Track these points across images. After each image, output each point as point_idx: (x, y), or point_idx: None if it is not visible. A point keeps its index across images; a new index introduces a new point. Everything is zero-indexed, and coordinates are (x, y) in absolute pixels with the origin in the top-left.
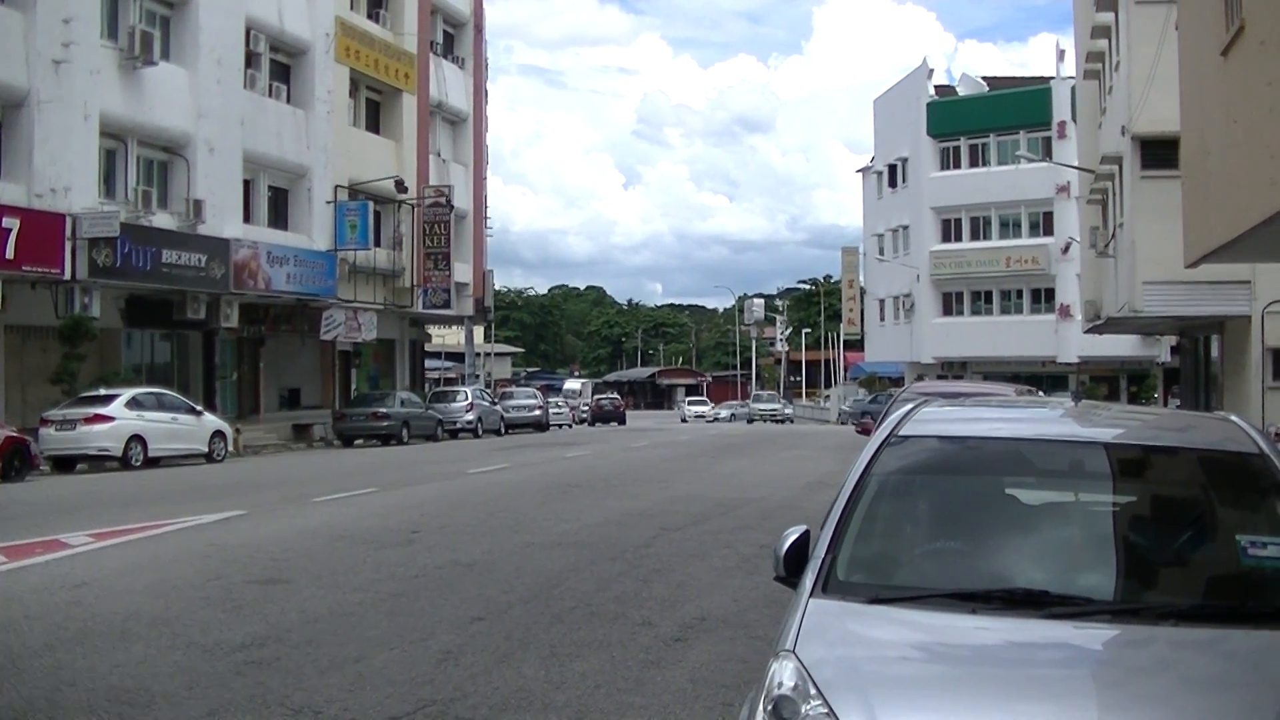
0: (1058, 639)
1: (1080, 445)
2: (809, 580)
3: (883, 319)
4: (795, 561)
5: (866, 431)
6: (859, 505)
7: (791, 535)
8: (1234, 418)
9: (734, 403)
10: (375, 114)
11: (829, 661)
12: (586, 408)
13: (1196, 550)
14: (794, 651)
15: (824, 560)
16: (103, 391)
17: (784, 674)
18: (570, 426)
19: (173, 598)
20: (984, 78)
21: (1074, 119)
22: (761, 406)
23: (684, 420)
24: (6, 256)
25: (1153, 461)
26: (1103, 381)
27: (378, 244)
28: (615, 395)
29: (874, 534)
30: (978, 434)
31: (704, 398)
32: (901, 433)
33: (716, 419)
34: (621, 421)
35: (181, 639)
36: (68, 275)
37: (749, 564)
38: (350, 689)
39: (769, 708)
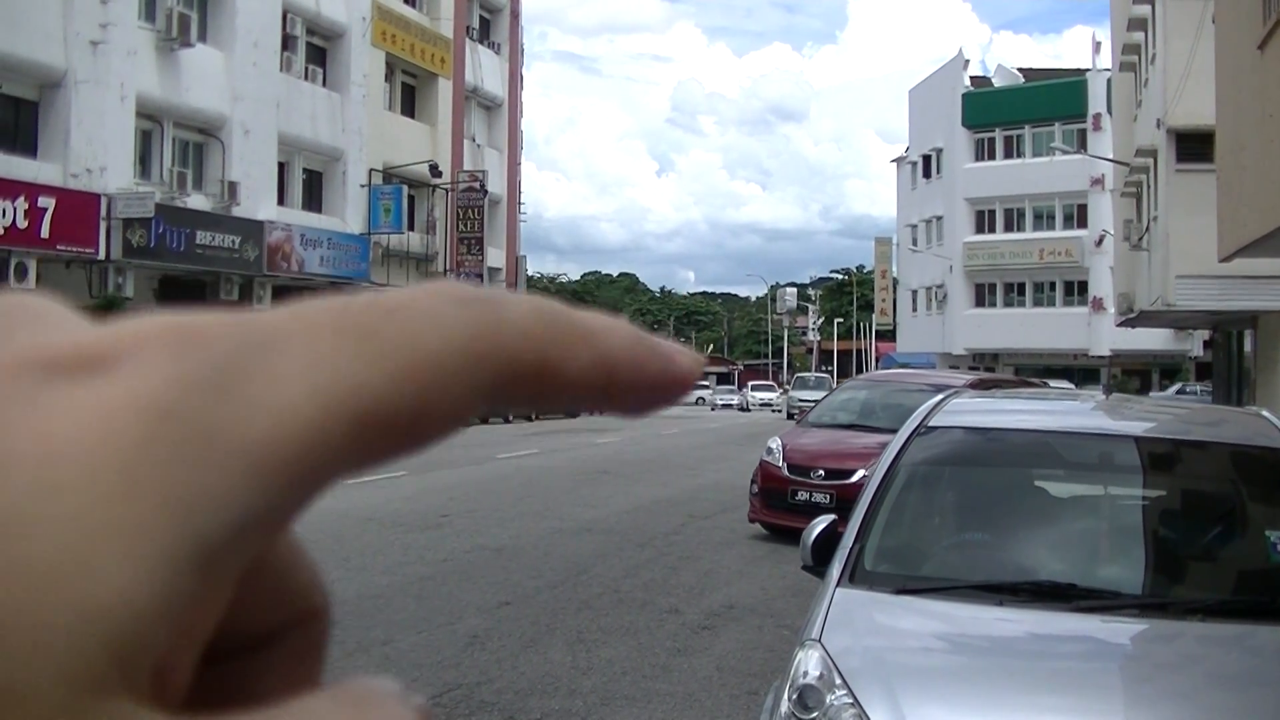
0: (1084, 632)
1: (1110, 438)
2: (836, 570)
3: (915, 310)
4: (822, 551)
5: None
6: (887, 496)
7: (819, 525)
8: (1265, 413)
9: (765, 385)
10: (410, 98)
11: (854, 651)
12: None
13: (1225, 545)
14: (820, 641)
15: (851, 550)
16: None
17: (809, 663)
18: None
19: None
20: (1019, 69)
21: (1109, 111)
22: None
23: (713, 409)
24: (42, 236)
25: (1182, 455)
26: (1135, 375)
27: (411, 228)
28: None
29: (901, 525)
30: (1007, 425)
31: (733, 386)
32: (930, 424)
33: (745, 408)
34: None
35: None
36: (102, 255)
37: (777, 552)
38: (376, 671)
39: (794, 696)
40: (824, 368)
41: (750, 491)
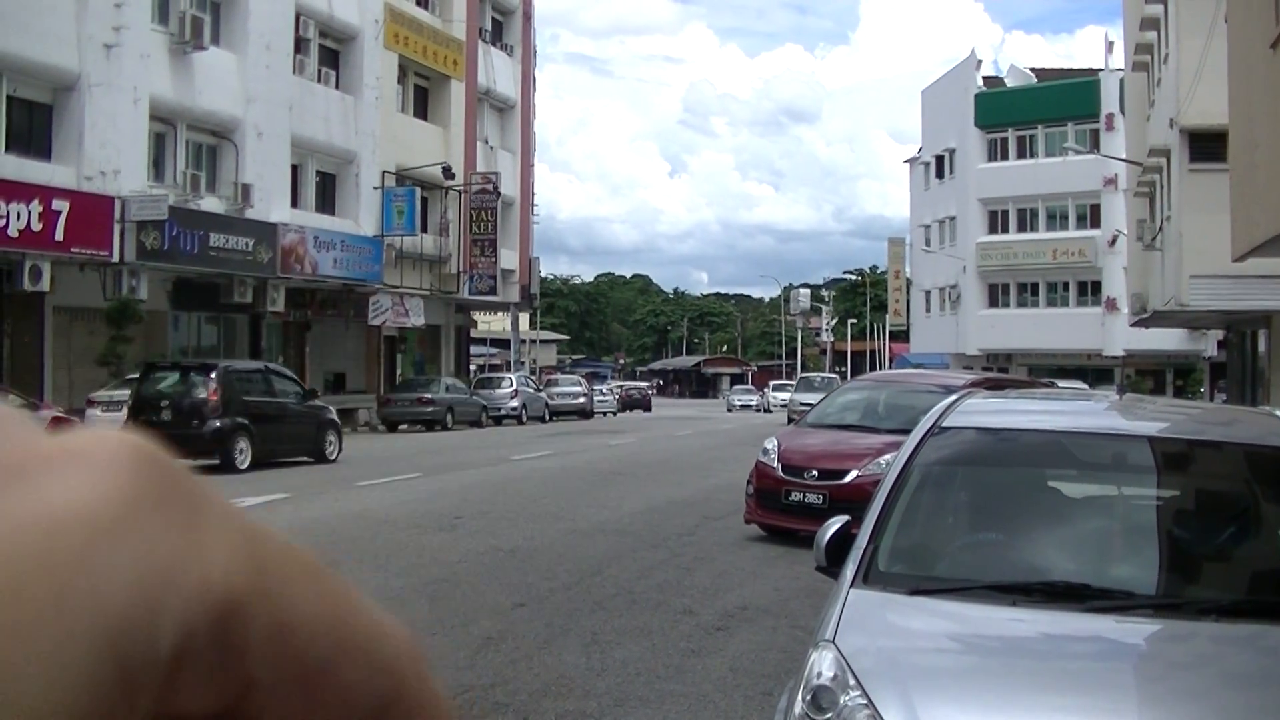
0: (1098, 632)
1: (1124, 439)
2: (850, 571)
3: (928, 310)
4: (836, 552)
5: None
6: (901, 496)
7: (833, 525)
8: (1279, 412)
9: (787, 385)
10: (423, 100)
11: (869, 652)
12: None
13: (1239, 546)
14: (834, 641)
15: (865, 551)
16: None
17: (823, 664)
18: (615, 414)
19: None
20: (1032, 69)
21: (1122, 111)
22: (806, 398)
23: (730, 410)
24: (56, 239)
25: (1196, 456)
26: (1148, 375)
27: (424, 230)
28: (642, 384)
29: (915, 525)
30: (1021, 426)
31: (750, 386)
32: (945, 424)
33: (765, 409)
34: (647, 409)
35: None
36: (116, 258)
37: (791, 553)
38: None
39: (808, 697)
40: (838, 368)
41: (746, 492)
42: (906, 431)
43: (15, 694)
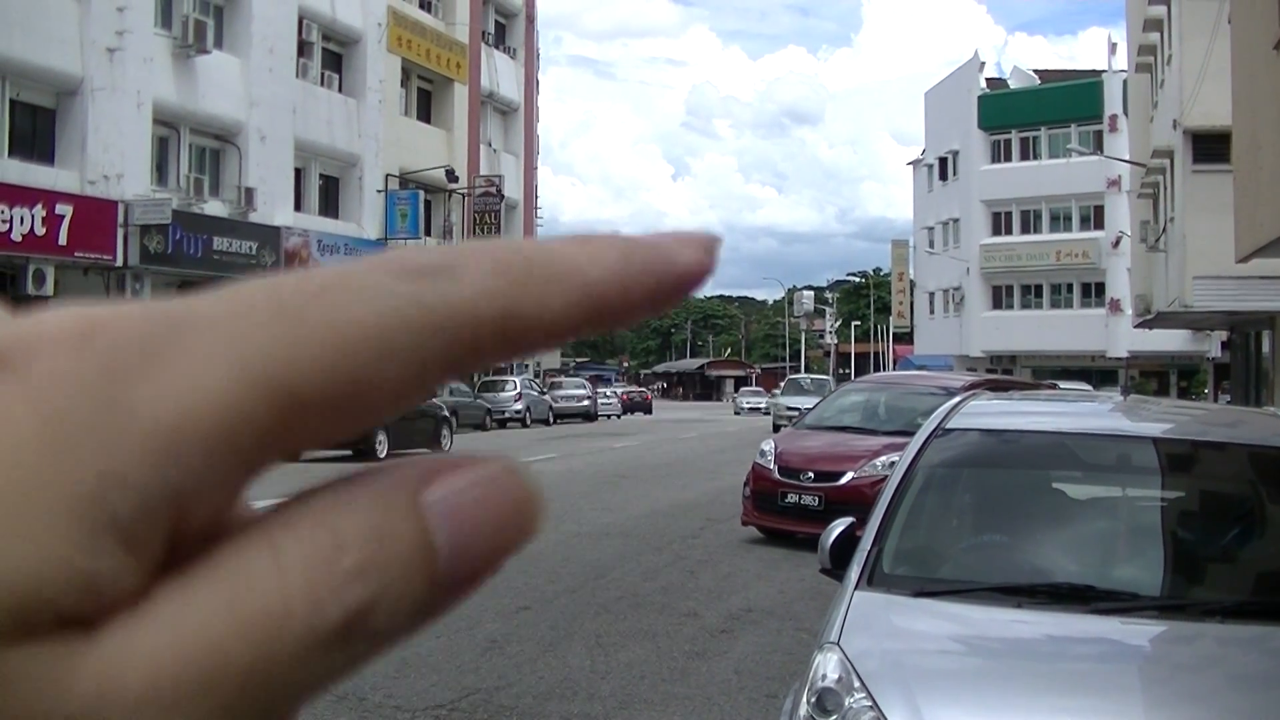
0: (1103, 634)
1: (1128, 440)
2: (854, 573)
3: (932, 312)
4: (841, 554)
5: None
6: (905, 498)
7: (837, 528)
8: None
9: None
10: (426, 103)
11: (873, 654)
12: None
13: (1244, 546)
14: (838, 644)
15: (869, 553)
16: None
17: (828, 666)
18: (619, 417)
19: None
20: (1035, 71)
21: (1125, 113)
22: (793, 401)
23: (738, 413)
24: (59, 243)
25: (1201, 457)
26: (1153, 376)
27: (428, 233)
28: (643, 388)
29: (919, 527)
30: (1024, 427)
31: (759, 388)
32: (949, 426)
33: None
34: (648, 412)
35: None
36: (120, 262)
37: (795, 555)
38: (395, 676)
39: (813, 699)
40: (841, 370)
41: (743, 494)
42: (905, 433)
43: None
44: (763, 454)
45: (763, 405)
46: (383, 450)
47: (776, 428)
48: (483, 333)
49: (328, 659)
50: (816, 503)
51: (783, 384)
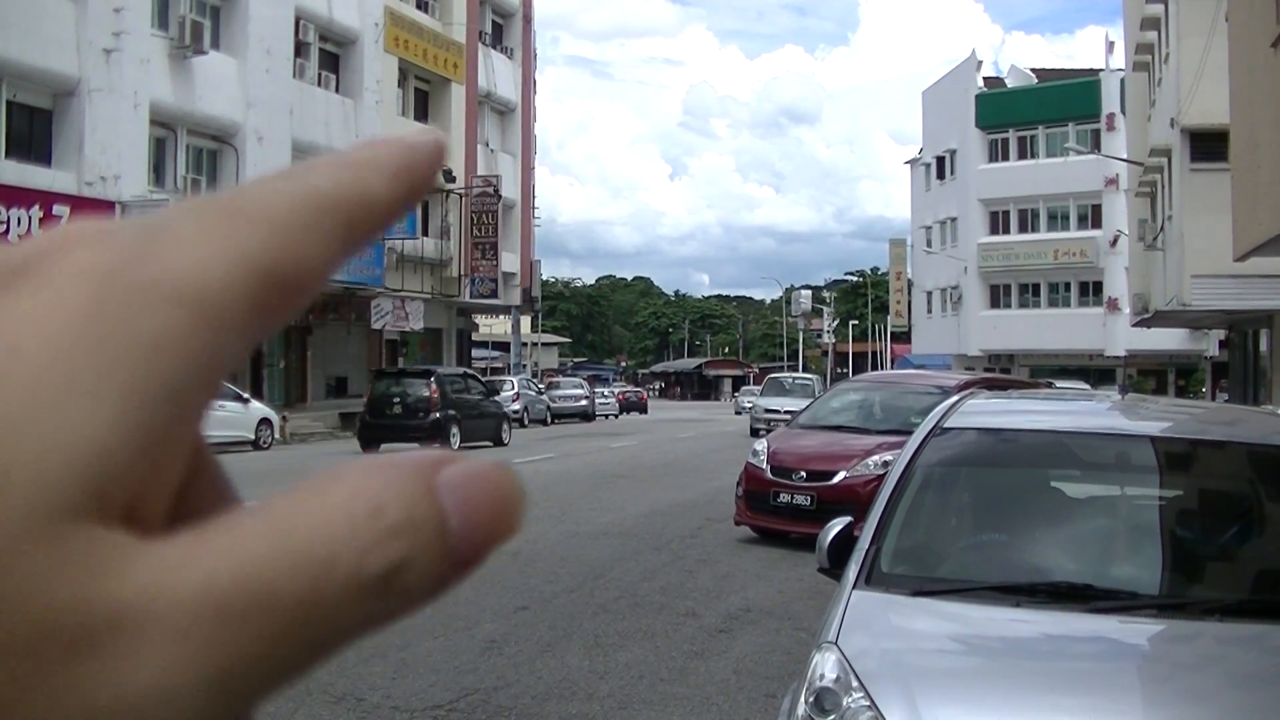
0: (1102, 633)
1: (1126, 438)
2: (852, 572)
3: (930, 311)
4: (839, 553)
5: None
6: (903, 497)
7: (835, 527)
8: None
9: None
10: (424, 104)
11: (871, 653)
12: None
13: (1243, 545)
14: (836, 643)
15: (867, 552)
16: None
17: (826, 665)
18: (617, 417)
19: None
20: (1032, 70)
21: (1123, 111)
22: (773, 403)
23: (738, 413)
24: None
25: (1199, 455)
26: (1151, 375)
27: (425, 233)
28: (638, 388)
29: (918, 526)
30: (1023, 426)
31: (759, 388)
32: (947, 425)
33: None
34: (643, 411)
35: None
36: None
37: (794, 555)
38: (393, 677)
39: (811, 699)
40: (839, 369)
41: (736, 494)
42: (899, 432)
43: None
44: (755, 453)
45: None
46: (455, 444)
47: (754, 431)
48: (357, 212)
49: (367, 607)
50: (809, 502)
51: (762, 384)
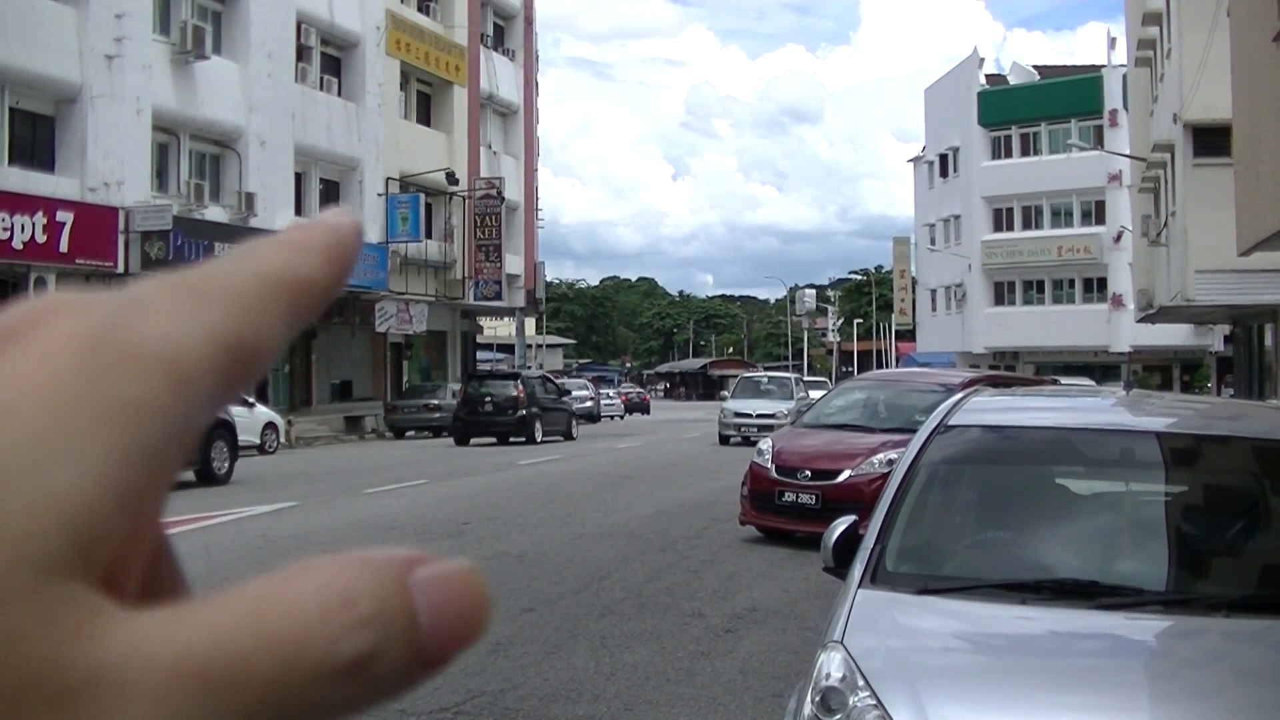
0: (1107, 629)
1: (1130, 434)
2: (857, 571)
3: (934, 309)
4: (844, 552)
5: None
6: (908, 496)
7: (840, 526)
8: None
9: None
10: (426, 106)
11: (877, 652)
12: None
13: (1248, 540)
14: (842, 642)
15: (872, 551)
16: None
17: (832, 665)
18: (622, 418)
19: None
20: (1034, 66)
21: (1125, 107)
22: (745, 406)
23: None
24: (60, 250)
25: (1204, 451)
26: (1156, 371)
27: (429, 236)
28: (641, 389)
29: (922, 524)
30: (1027, 423)
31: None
32: (951, 422)
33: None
34: (646, 411)
35: None
36: (121, 269)
37: (799, 554)
38: None
39: (817, 698)
40: (845, 369)
41: (741, 494)
42: (902, 431)
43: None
44: (760, 453)
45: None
46: (539, 436)
47: (724, 439)
48: (303, 293)
49: (335, 692)
50: (814, 501)
51: (733, 384)
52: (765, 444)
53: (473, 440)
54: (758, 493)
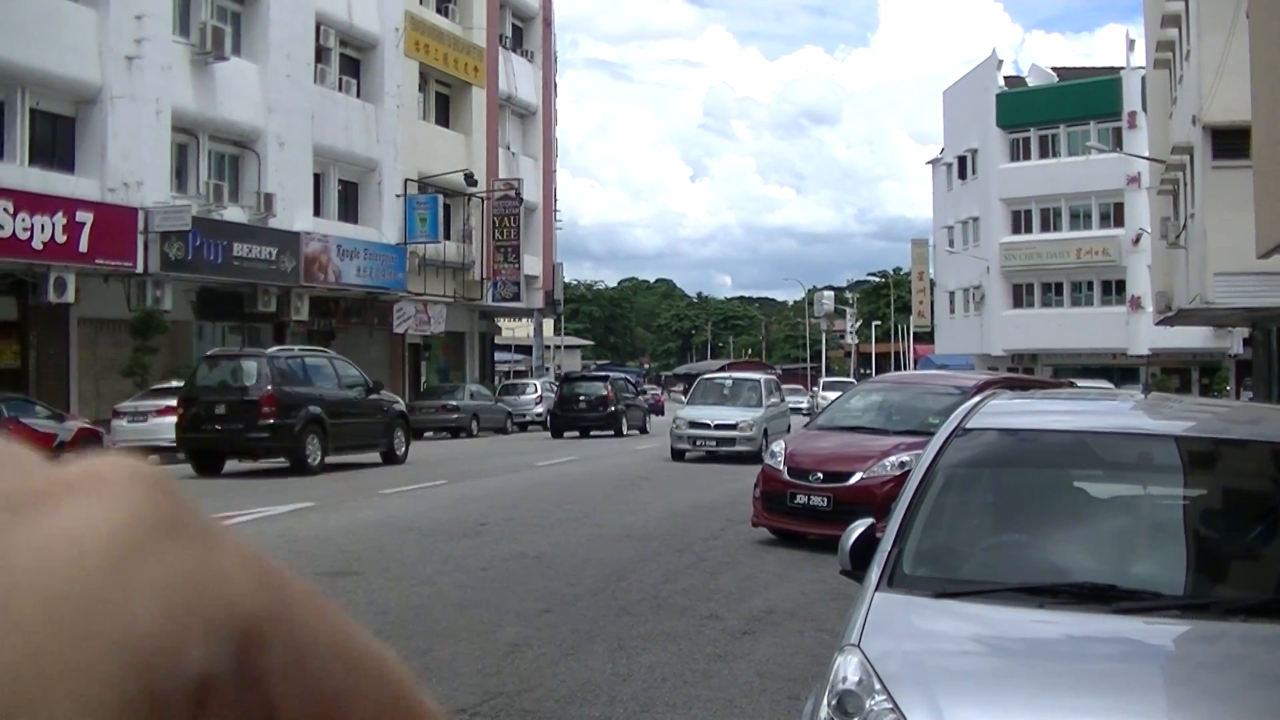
0: (1125, 633)
1: (1148, 438)
2: (874, 574)
3: (952, 311)
4: (861, 555)
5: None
6: (925, 499)
7: (858, 529)
8: None
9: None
10: (445, 107)
11: (894, 655)
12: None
13: (1267, 544)
14: (859, 645)
15: (889, 554)
16: (175, 384)
17: (848, 668)
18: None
19: None
20: (1053, 68)
21: (1144, 109)
22: (703, 414)
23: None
24: (80, 250)
25: (1222, 454)
26: (1174, 374)
27: (447, 237)
28: (656, 389)
29: (940, 527)
30: (1044, 426)
31: (796, 386)
32: (968, 425)
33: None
34: (659, 413)
35: None
36: (140, 269)
37: (816, 556)
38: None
39: (834, 702)
40: (863, 370)
41: (753, 495)
42: (916, 433)
43: None
44: (773, 454)
45: (803, 404)
46: (625, 427)
47: (677, 454)
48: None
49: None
50: (825, 503)
51: (695, 386)
52: (778, 446)
53: (566, 433)
54: (770, 494)
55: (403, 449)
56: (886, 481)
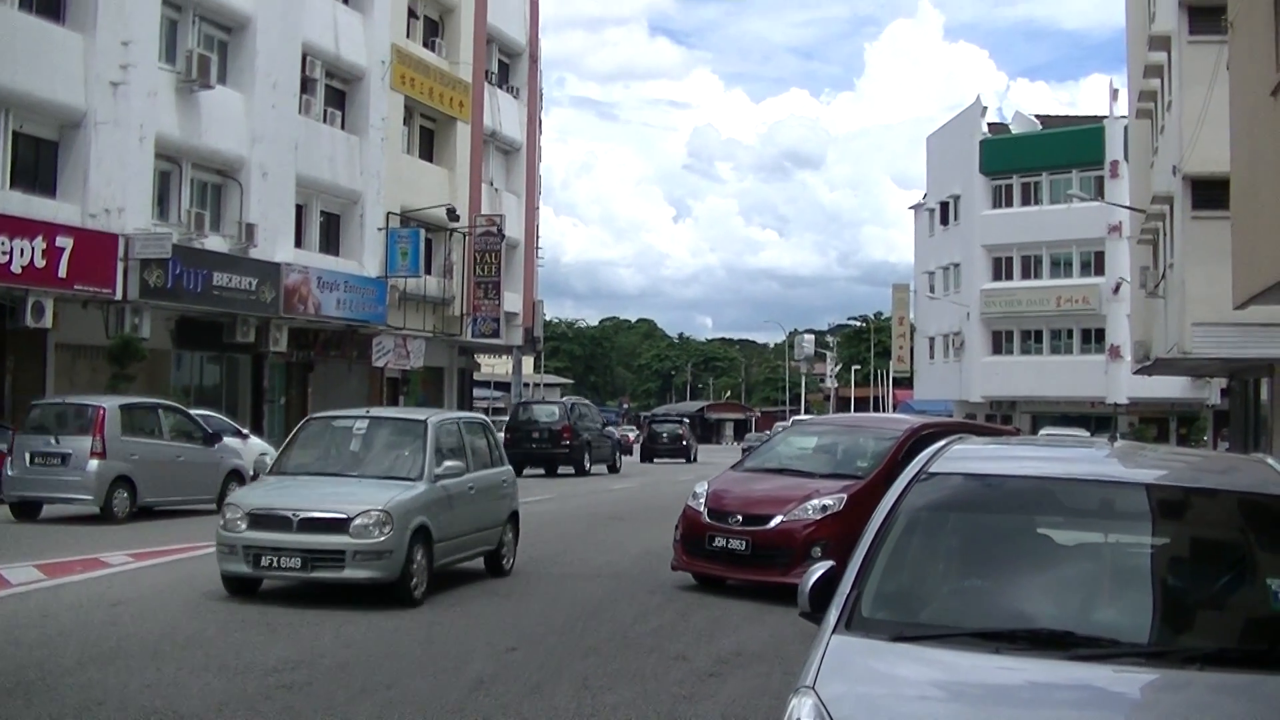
0: (1086, 681)
1: (1110, 485)
2: (833, 616)
3: (932, 357)
4: (820, 597)
5: None
6: (885, 542)
7: (817, 571)
8: (1270, 460)
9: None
10: (429, 141)
11: (848, 699)
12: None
13: (1231, 594)
14: (813, 688)
15: (848, 597)
16: None
17: (803, 710)
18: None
19: (208, 619)
20: (1037, 116)
21: (1126, 158)
22: (282, 499)
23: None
24: (59, 275)
25: (1185, 502)
26: (1152, 423)
27: (428, 271)
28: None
29: (900, 571)
30: (1008, 472)
31: (764, 432)
32: (931, 469)
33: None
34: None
35: (214, 660)
36: (119, 295)
37: (788, 598)
38: (380, 715)
39: None
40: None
41: (674, 538)
42: (842, 476)
43: None
44: (695, 496)
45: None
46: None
47: (235, 581)
48: None
49: None
50: (744, 547)
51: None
52: (701, 487)
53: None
54: (689, 537)
55: None
56: (809, 525)
